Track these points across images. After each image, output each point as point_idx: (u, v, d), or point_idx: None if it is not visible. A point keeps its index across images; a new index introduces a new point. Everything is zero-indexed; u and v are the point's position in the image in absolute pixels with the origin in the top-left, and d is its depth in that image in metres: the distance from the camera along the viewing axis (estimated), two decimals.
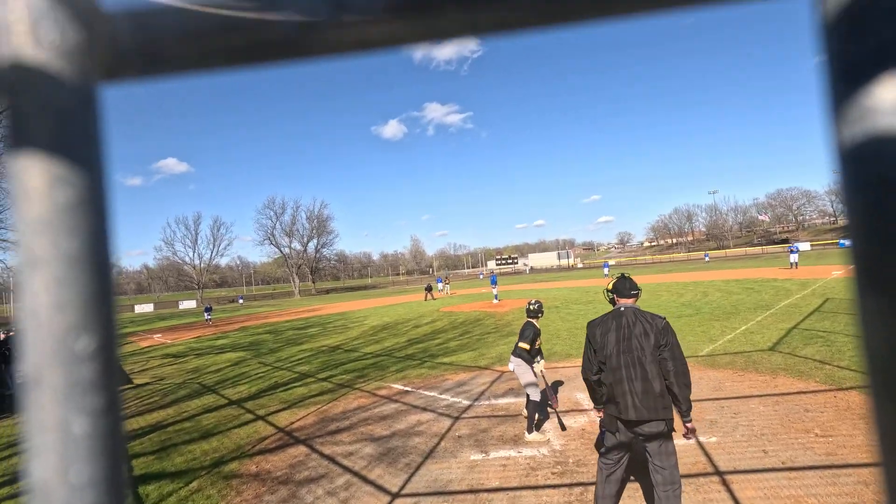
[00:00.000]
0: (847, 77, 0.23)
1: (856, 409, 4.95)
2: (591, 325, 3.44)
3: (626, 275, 3.61)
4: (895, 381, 0.22)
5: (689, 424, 3.18)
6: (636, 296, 3.44)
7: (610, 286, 3.60)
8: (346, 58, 0.26)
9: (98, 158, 0.25)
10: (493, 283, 25.84)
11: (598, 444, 4.22)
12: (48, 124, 0.23)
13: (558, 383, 7.05)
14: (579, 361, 8.40)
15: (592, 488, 3.86)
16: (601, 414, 3.41)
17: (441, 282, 38.84)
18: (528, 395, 5.21)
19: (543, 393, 5.31)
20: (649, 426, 3.08)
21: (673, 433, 3.13)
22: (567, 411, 5.78)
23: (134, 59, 0.25)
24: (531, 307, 5.59)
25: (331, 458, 5.01)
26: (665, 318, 3.24)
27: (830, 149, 0.24)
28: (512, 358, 5.48)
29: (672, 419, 3.10)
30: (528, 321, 5.52)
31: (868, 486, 3.50)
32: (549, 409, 5.58)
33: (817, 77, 0.25)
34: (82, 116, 0.25)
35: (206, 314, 29.64)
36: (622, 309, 3.35)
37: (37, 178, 0.24)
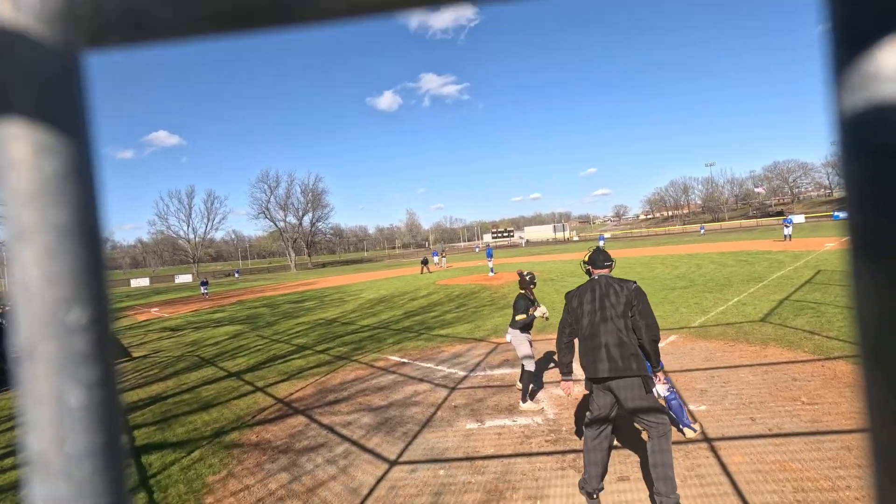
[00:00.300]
0: (850, 42, 0.23)
1: (842, 377, 5.08)
2: (568, 295, 3.65)
3: (600, 247, 3.85)
4: (886, 351, 0.23)
5: (659, 374, 3.57)
6: (609, 267, 3.64)
7: (585, 258, 3.82)
8: (338, 23, 0.25)
9: (84, 127, 0.24)
10: (489, 256, 25.97)
11: (582, 413, 4.35)
12: (31, 92, 0.23)
13: (552, 354, 7.16)
14: None
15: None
16: (563, 385, 3.69)
17: (437, 255, 38.93)
18: (523, 366, 5.30)
19: (538, 364, 5.40)
20: (624, 382, 3.20)
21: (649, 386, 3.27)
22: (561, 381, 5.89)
23: (118, 24, 0.24)
24: (525, 277, 5.64)
25: (330, 428, 5.12)
26: (636, 282, 3.45)
27: (831, 116, 0.24)
28: (510, 329, 5.55)
29: (647, 375, 3.24)
30: (520, 293, 5.57)
31: (850, 451, 3.62)
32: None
33: (818, 46, 0.25)
34: (66, 84, 0.24)
35: (202, 288, 29.73)
36: (596, 278, 3.56)
37: (22, 147, 0.23)
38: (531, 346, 5.44)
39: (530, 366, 5.19)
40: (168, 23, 0.25)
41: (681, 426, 4.16)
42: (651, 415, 3.15)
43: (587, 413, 3.49)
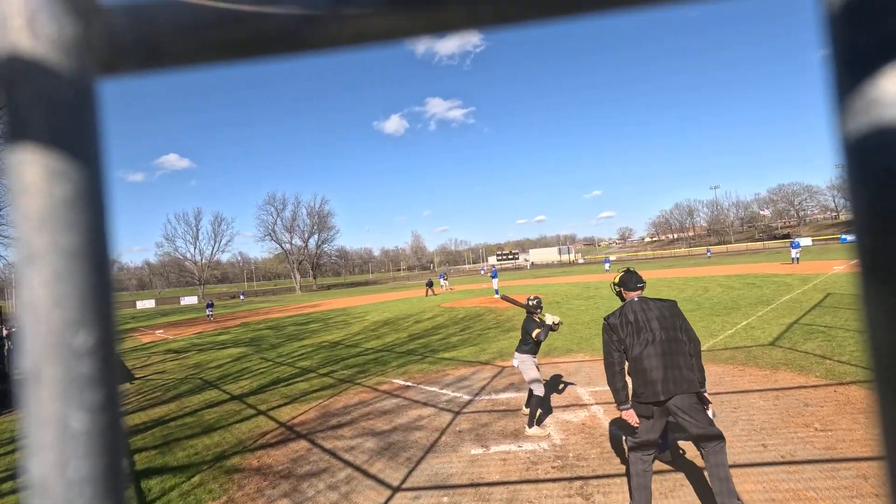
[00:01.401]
0: (852, 68, 0.23)
1: (856, 403, 4.96)
2: (611, 322, 3.47)
3: (632, 269, 3.73)
4: None
5: (706, 395, 3.36)
6: (642, 289, 3.58)
7: (616, 280, 3.73)
8: (345, 51, 0.26)
9: (96, 153, 0.25)
10: (494, 276, 25.97)
11: (617, 439, 4.21)
12: (46, 118, 0.23)
13: (558, 377, 7.06)
14: (579, 357, 8.42)
15: (592, 482, 3.88)
16: (627, 414, 3.34)
17: (443, 277, 38.88)
18: (530, 390, 5.23)
19: (546, 388, 5.32)
20: (683, 399, 3.17)
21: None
22: (567, 406, 5.80)
23: (132, 52, 0.25)
24: (530, 303, 5.60)
25: (332, 453, 5.04)
26: (674, 301, 3.45)
27: (835, 141, 0.24)
28: (516, 354, 5.49)
29: (702, 391, 3.26)
30: (528, 317, 5.53)
31: (867, 479, 3.51)
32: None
33: (821, 71, 0.25)
34: (80, 110, 0.24)
35: (207, 310, 29.76)
36: (635, 300, 3.49)
37: (35, 172, 0.23)
38: (538, 369, 5.37)
39: (539, 390, 5.10)
40: (180, 51, 0.26)
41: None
42: (709, 429, 3.15)
43: (629, 440, 3.39)
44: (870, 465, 3.70)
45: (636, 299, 3.50)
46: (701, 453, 3.20)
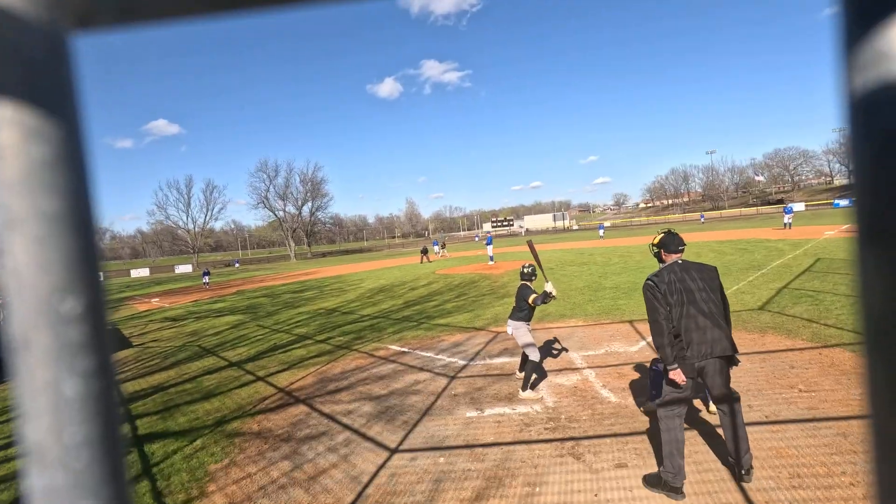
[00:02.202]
0: (861, 18, 0.22)
1: (839, 365, 5.10)
2: (655, 286, 3.40)
3: (672, 230, 3.68)
4: (890, 336, 0.22)
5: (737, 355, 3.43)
6: (682, 251, 3.56)
7: (656, 241, 3.66)
8: (335, 2, 0.24)
9: (74, 111, 0.24)
10: (489, 243, 26.04)
11: (653, 397, 4.28)
12: (18, 74, 0.22)
13: (551, 343, 7.19)
14: (573, 322, 8.55)
15: (584, 442, 4.01)
16: (675, 373, 3.28)
17: (437, 245, 38.88)
18: (525, 355, 5.33)
19: (540, 353, 5.42)
20: (714, 361, 3.28)
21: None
22: (560, 370, 5.93)
23: (108, 4, 0.23)
24: (525, 270, 5.64)
25: (330, 417, 5.16)
26: (714, 266, 3.52)
27: (839, 99, 0.23)
28: (510, 321, 5.56)
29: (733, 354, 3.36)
30: (523, 284, 5.57)
31: (846, 437, 3.65)
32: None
33: (821, 33, 0.24)
34: (54, 66, 0.23)
35: (204, 278, 29.66)
36: (679, 262, 3.48)
37: (9, 132, 0.22)
38: (532, 336, 5.46)
39: (535, 355, 5.20)
40: (159, 2, 0.25)
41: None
42: (731, 390, 3.29)
43: (658, 400, 3.41)
44: (850, 424, 3.84)
45: (682, 262, 3.49)
46: (719, 411, 3.34)
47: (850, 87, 0.23)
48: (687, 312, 3.30)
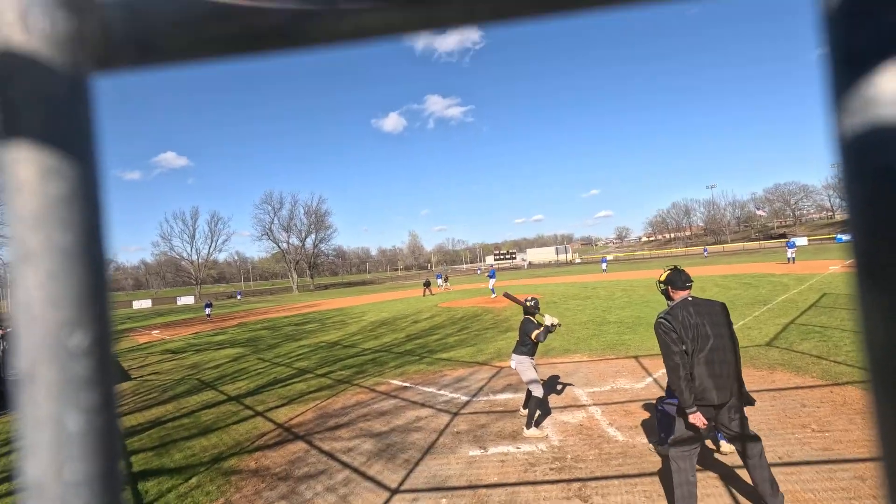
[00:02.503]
0: (849, 66, 0.23)
1: (852, 404, 4.98)
2: (669, 325, 3.30)
3: (679, 267, 3.64)
4: (894, 376, 0.22)
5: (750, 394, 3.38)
6: (690, 287, 3.49)
7: (663, 278, 3.62)
8: (343, 47, 0.25)
9: (91, 150, 0.24)
10: (492, 276, 26.02)
11: (662, 441, 4.19)
12: (39, 115, 0.23)
13: (556, 378, 7.07)
14: (577, 357, 8.43)
15: (591, 484, 3.88)
16: (695, 417, 3.17)
17: (440, 278, 38.81)
18: (529, 392, 5.23)
19: (544, 389, 5.32)
20: (736, 402, 3.22)
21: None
22: (565, 407, 5.80)
23: (126, 47, 0.25)
24: (528, 304, 5.61)
25: (330, 454, 5.03)
26: (723, 303, 3.41)
27: (832, 140, 0.24)
28: (513, 356, 5.49)
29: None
30: (526, 318, 5.53)
31: (864, 481, 3.52)
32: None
33: (818, 70, 0.25)
34: (74, 106, 0.24)
35: (206, 310, 29.55)
36: (690, 299, 3.41)
37: (28, 170, 0.23)
38: (536, 370, 5.37)
39: (538, 391, 5.10)
40: (175, 46, 0.26)
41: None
42: (748, 430, 3.22)
43: (677, 443, 3.27)
44: (867, 467, 3.71)
45: (688, 299, 3.41)
46: (739, 451, 3.26)
47: (840, 129, 0.23)
48: (701, 354, 3.22)
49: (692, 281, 3.52)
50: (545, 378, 7.01)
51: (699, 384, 3.19)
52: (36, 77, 0.23)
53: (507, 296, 5.81)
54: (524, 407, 5.66)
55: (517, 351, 5.44)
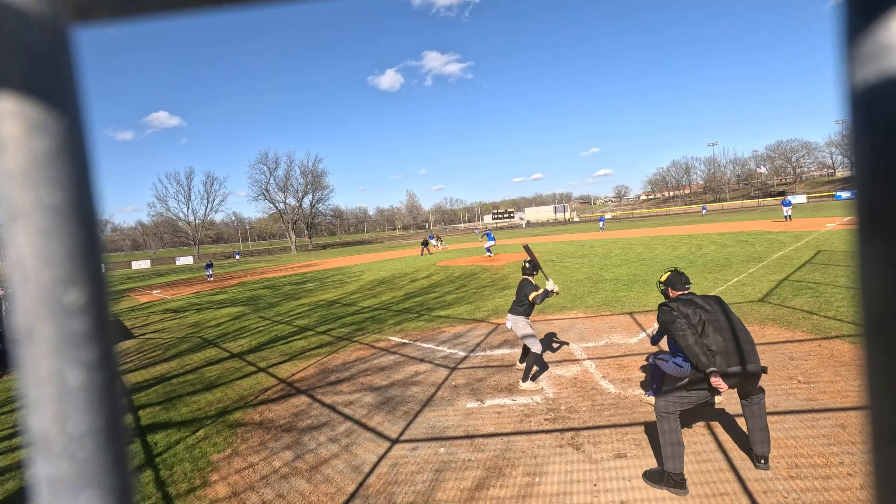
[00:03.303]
0: (864, 10, 0.22)
1: (838, 356, 5.12)
2: (670, 306, 3.47)
3: (679, 269, 3.91)
4: (889, 327, 0.23)
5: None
6: (689, 289, 3.74)
7: (664, 279, 3.89)
8: None
9: (75, 104, 0.24)
10: (490, 238, 25.58)
11: (655, 390, 4.33)
12: (19, 67, 0.22)
13: (552, 335, 7.21)
14: (573, 314, 8.57)
15: (583, 433, 4.04)
16: (717, 380, 3.17)
17: (433, 238, 38.41)
18: (526, 347, 5.34)
19: (542, 344, 5.43)
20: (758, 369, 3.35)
21: None
22: (560, 361, 5.96)
23: None
24: (526, 265, 5.64)
25: (332, 407, 5.19)
26: (717, 296, 3.67)
27: (841, 90, 0.23)
28: (509, 315, 5.58)
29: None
30: (524, 279, 5.58)
31: (844, 428, 3.67)
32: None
33: (824, 24, 0.24)
34: (56, 59, 0.23)
35: (207, 270, 29.51)
36: (687, 295, 3.62)
37: (12, 125, 0.22)
38: (532, 328, 5.47)
39: (536, 347, 5.22)
40: None
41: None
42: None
43: (674, 403, 3.34)
44: (848, 415, 3.86)
45: (690, 294, 3.64)
46: (742, 403, 3.43)
47: (851, 79, 0.23)
48: (707, 331, 3.33)
49: (690, 283, 3.78)
50: (541, 334, 7.16)
51: (722, 353, 3.27)
52: (15, 29, 0.22)
53: (525, 248, 5.83)
54: (521, 361, 5.81)
55: (513, 311, 5.53)
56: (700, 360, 3.24)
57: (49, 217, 0.23)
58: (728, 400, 4.32)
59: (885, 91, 0.22)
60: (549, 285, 5.33)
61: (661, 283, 3.95)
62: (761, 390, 3.38)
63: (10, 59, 0.22)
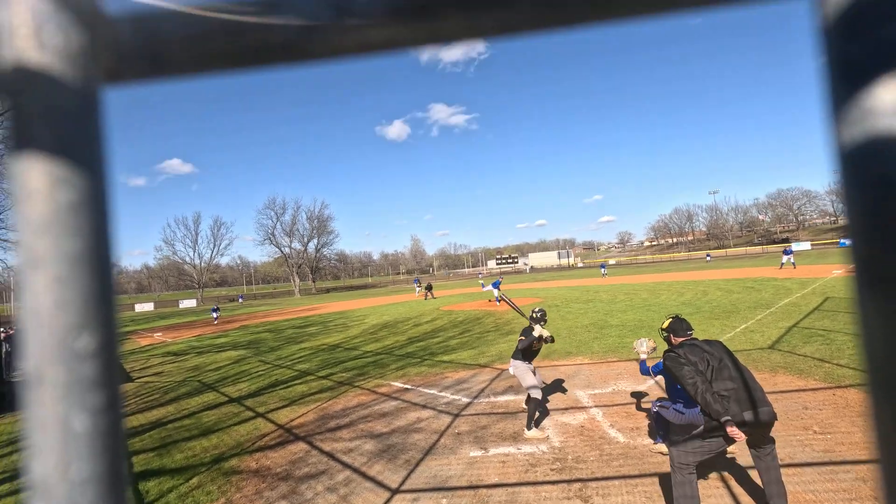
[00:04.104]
0: (847, 78, 0.23)
1: (854, 406, 4.96)
2: (676, 353, 3.43)
3: (680, 316, 3.89)
4: (893, 380, 0.23)
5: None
6: (691, 335, 3.70)
7: (665, 325, 3.88)
8: (348, 60, 0.26)
9: (100, 159, 0.25)
10: (496, 287, 24.42)
11: (663, 437, 4.24)
12: (50, 126, 0.24)
13: (558, 380, 7.06)
14: (578, 360, 8.42)
15: (591, 484, 3.87)
16: (732, 429, 3.09)
17: (418, 283, 37.87)
18: (528, 394, 5.22)
19: (545, 391, 5.31)
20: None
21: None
22: (566, 409, 5.79)
23: (136, 61, 0.25)
24: (534, 315, 5.58)
25: (331, 455, 5.02)
26: (719, 341, 3.61)
27: (831, 149, 0.24)
28: (512, 361, 5.50)
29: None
30: (528, 326, 5.53)
31: (866, 482, 3.51)
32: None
33: (818, 78, 0.25)
34: (84, 118, 0.25)
35: (213, 314, 29.27)
36: (690, 342, 3.56)
37: (38, 179, 0.24)
38: (535, 374, 5.37)
39: (536, 394, 5.10)
40: (184, 60, 0.26)
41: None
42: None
43: (691, 458, 3.24)
44: (868, 468, 3.70)
45: (694, 340, 3.59)
46: (753, 454, 3.32)
47: (839, 139, 0.24)
48: (720, 377, 3.26)
49: (692, 329, 3.75)
50: (547, 380, 7.01)
51: (732, 402, 3.18)
52: (48, 90, 0.24)
53: (504, 299, 5.84)
54: (526, 404, 5.67)
55: (515, 356, 5.46)
56: (713, 408, 3.13)
57: (67, 265, 0.24)
58: (741, 451, 4.16)
59: (873, 150, 0.23)
60: (537, 331, 5.29)
61: (662, 329, 3.93)
62: (772, 440, 3.27)
63: (43, 119, 0.24)
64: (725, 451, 4.09)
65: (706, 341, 3.54)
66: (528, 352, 5.38)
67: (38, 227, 0.24)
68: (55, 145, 0.24)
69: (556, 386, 6.81)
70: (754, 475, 3.75)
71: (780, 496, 3.18)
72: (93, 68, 0.25)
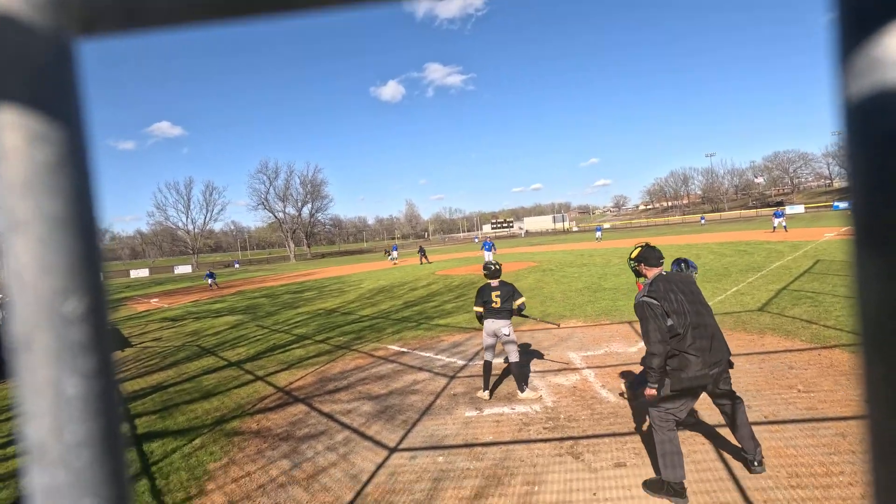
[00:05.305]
0: (858, 26, 0.22)
1: (838, 366, 5.11)
2: (654, 303, 3.25)
3: (650, 244, 3.61)
4: (886, 339, 0.23)
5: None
6: (662, 264, 3.49)
7: (634, 255, 3.57)
8: (339, 9, 0.24)
9: (77, 115, 0.24)
10: (488, 249, 25.26)
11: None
12: (23, 79, 0.22)
13: (552, 342, 7.19)
14: (573, 322, 8.56)
15: (582, 442, 4.01)
16: (651, 393, 3.27)
17: (395, 250, 37.61)
18: (507, 358, 5.37)
19: (539, 353, 5.43)
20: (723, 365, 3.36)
21: None
22: (559, 370, 5.93)
23: (111, 10, 0.23)
24: (492, 268, 5.88)
25: (330, 416, 5.16)
26: (691, 276, 3.62)
27: (836, 104, 0.24)
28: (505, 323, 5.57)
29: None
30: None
31: (845, 437, 3.65)
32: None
33: (820, 36, 0.24)
34: (59, 71, 0.23)
35: (209, 280, 29.12)
36: (664, 275, 3.41)
37: (14, 136, 0.23)
38: (503, 334, 5.39)
39: (514, 356, 5.30)
40: (162, 8, 0.25)
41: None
42: (731, 390, 3.43)
43: (667, 412, 3.28)
44: (848, 424, 3.84)
45: (667, 273, 3.45)
46: (721, 410, 3.48)
47: (846, 93, 0.23)
48: (697, 321, 3.25)
49: (664, 258, 3.51)
50: (541, 343, 7.14)
51: (694, 357, 3.20)
52: (19, 41, 0.22)
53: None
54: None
55: (504, 317, 5.50)
56: (654, 374, 3.24)
57: (49, 226, 0.23)
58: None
59: (880, 104, 0.22)
60: (518, 301, 5.53)
61: (632, 259, 3.59)
62: (738, 396, 3.40)
63: (14, 70, 0.22)
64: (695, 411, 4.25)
65: (679, 276, 3.46)
66: (488, 308, 5.43)
67: (17, 188, 0.23)
68: (29, 100, 0.22)
69: (550, 348, 6.95)
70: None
71: (754, 448, 3.35)
72: (65, 17, 0.23)
